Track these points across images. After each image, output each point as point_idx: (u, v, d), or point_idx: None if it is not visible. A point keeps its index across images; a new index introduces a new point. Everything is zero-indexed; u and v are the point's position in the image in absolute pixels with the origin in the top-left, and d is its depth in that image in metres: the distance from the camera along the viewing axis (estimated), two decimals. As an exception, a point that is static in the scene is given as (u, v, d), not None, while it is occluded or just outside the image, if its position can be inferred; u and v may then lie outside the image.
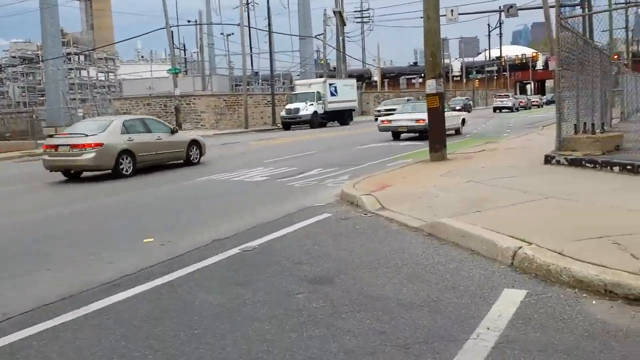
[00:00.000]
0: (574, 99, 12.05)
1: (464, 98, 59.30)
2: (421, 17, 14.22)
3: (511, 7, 35.39)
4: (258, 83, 74.30)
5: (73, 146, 14.17)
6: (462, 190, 8.90)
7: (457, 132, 24.17)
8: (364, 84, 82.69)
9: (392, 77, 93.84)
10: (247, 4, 66.81)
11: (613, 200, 7.24)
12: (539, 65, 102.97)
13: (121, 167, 14.52)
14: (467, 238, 6.13)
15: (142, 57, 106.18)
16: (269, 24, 42.88)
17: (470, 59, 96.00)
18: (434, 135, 13.48)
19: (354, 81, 46.51)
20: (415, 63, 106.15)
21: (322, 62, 60.61)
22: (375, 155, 16.88)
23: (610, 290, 4.47)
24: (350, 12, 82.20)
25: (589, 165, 9.74)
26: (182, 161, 16.64)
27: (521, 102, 62.30)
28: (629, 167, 8.95)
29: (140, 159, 15.12)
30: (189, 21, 60.30)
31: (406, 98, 46.58)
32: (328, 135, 29.53)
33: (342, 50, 63.39)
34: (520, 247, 5.40)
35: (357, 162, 15.21)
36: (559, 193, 7.96)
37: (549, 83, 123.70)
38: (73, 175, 14.96)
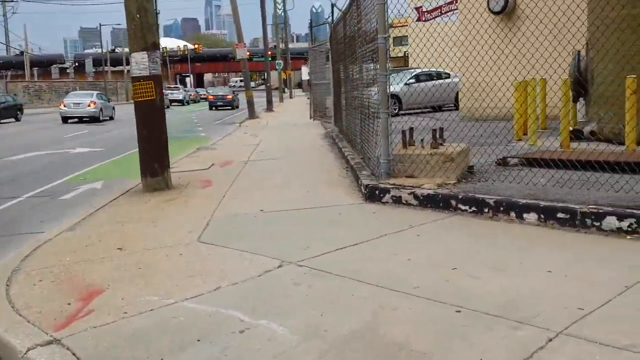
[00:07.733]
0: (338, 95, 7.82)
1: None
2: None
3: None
4: None
5: None
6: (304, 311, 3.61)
7: None
8: (10, 74, 69.61)
9: (43, 66, 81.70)
10: None
11: None
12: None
13: None
14: None
15: None
16: None
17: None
18: (149, 149, 7.70)
19: None
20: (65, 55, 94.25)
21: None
22: (28, 174, 10.30)
23: None
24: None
25: (464, 207, 5.38)
26: None
27: (191, 95, 58.86)
28: (560, 215, 4.82)
29: None
30: None
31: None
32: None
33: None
34: None
35: None
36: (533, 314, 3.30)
37: (207, 77, 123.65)
38: None
